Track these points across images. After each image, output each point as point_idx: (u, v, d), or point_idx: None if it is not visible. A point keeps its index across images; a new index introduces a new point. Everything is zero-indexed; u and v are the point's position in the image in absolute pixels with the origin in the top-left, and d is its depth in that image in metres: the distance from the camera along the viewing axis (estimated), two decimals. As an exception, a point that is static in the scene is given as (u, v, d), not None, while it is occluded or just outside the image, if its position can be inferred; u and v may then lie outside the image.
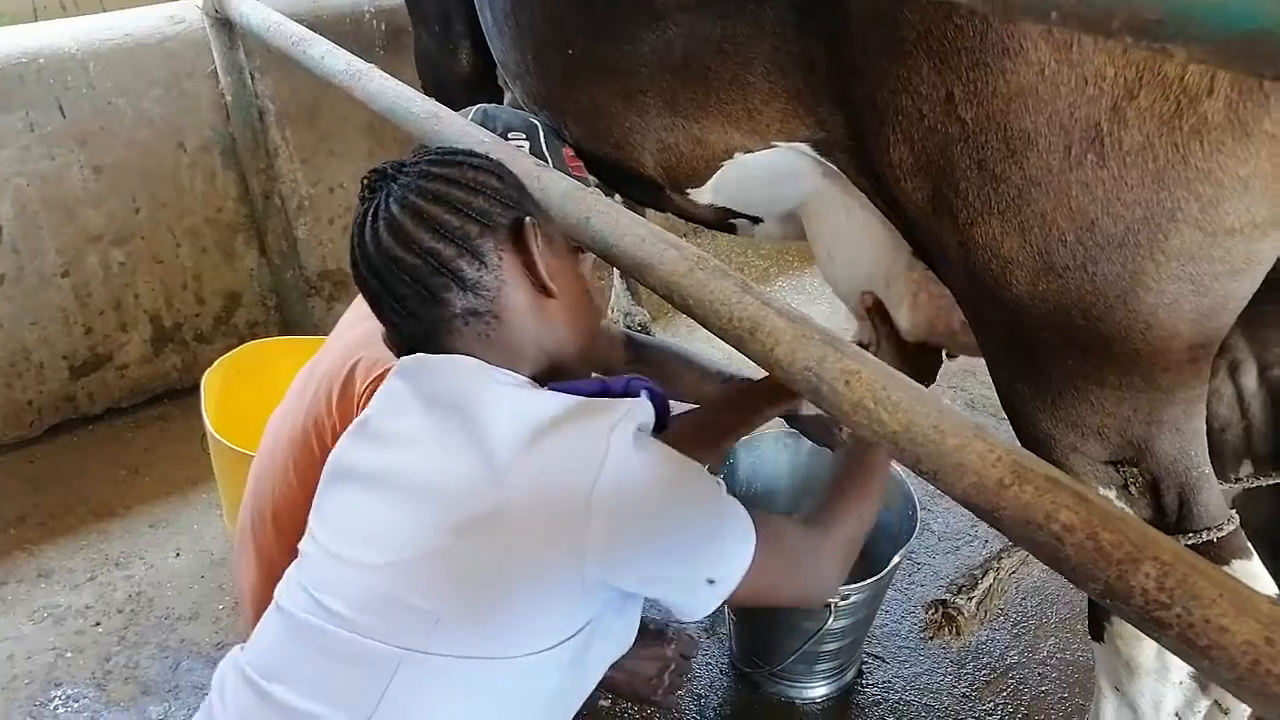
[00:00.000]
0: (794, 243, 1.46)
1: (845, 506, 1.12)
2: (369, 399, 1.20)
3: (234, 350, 2.13)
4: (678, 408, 1.25)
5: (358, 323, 1.37)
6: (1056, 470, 0.71)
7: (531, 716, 0.91)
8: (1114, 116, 0.83)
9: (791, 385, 0.88)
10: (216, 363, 2.07)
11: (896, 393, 0.79)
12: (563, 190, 1.14)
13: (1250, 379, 1.22)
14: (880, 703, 1.85)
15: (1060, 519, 0.67)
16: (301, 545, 0.99)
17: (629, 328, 2.67)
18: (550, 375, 1.01)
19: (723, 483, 0.98)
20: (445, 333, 0.99)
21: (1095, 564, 0.65)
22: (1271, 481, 1.25)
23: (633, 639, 0.99)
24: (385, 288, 0.99)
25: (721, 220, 1.41)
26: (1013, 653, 1.94)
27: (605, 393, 0.95)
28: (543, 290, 1.01)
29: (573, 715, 0.98)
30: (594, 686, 0.99)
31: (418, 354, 0.99)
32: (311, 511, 1.00)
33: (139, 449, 2.53)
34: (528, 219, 1.01)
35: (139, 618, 2.06)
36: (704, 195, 1.33)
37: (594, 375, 1.10)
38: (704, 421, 1.41)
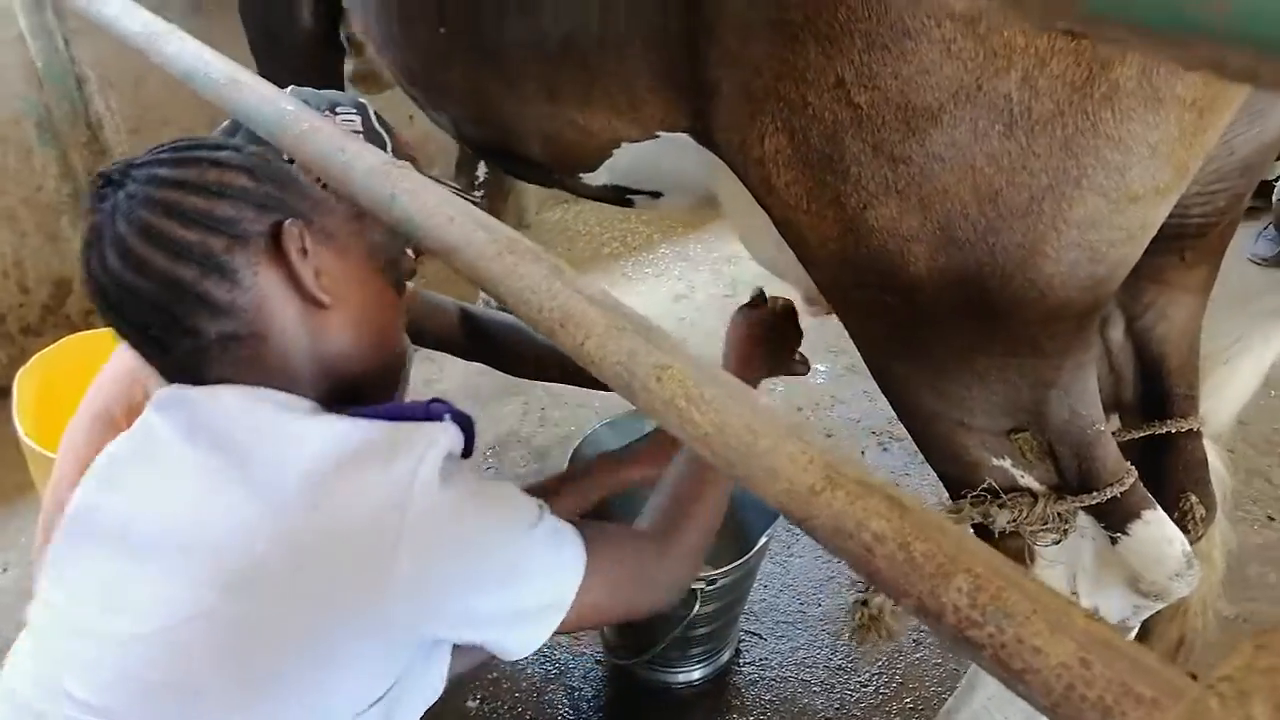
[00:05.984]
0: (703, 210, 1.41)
1: (690, 508, 1.02)
2: None
3: (52, 345, 1.95)
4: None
5: None
6: (871, 475, 0.64)
7: None
8: (1024, 86, 0.81)
9: (604, 380, 0.81)
10: (32, 359, 1.89)
11: (710, 389, 0.72)
12: (368, 165, 1.03)
13: (1118, 331, 1.23)
14: (757, 681, 1.82)
15: (871, 527, 0.60)
16: (31, 613, 0.83)
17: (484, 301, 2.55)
18: (340, 394, 0.89)
19: (545, 506, 0.90)
20: (202, 362, 0.84)
21: (907, 577, 0.58)
22: (1139, 435, 1.25)
23: (443, 685, 0.88)
24: (124, 319, 0.84)
25: (619, 197, 1.35)
26: (888, 621, 1.93)
27: (404, 418, 0.83)
28: (314, 302, 0.87)
29: None
30: None
31: (175, 385, 0.85)
32: (46, 569, 0.83)
33: (-39, 454, 2.31)
34: (288, 221, 0.86)
35: (-41, 642, 1.88)
36: (598, 179, 1.27)
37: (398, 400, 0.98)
38: (564, 491, 1.28)
